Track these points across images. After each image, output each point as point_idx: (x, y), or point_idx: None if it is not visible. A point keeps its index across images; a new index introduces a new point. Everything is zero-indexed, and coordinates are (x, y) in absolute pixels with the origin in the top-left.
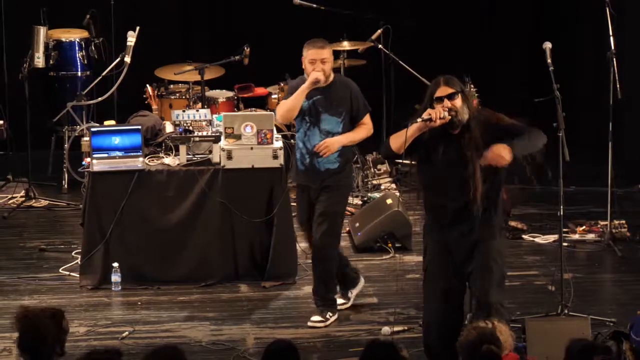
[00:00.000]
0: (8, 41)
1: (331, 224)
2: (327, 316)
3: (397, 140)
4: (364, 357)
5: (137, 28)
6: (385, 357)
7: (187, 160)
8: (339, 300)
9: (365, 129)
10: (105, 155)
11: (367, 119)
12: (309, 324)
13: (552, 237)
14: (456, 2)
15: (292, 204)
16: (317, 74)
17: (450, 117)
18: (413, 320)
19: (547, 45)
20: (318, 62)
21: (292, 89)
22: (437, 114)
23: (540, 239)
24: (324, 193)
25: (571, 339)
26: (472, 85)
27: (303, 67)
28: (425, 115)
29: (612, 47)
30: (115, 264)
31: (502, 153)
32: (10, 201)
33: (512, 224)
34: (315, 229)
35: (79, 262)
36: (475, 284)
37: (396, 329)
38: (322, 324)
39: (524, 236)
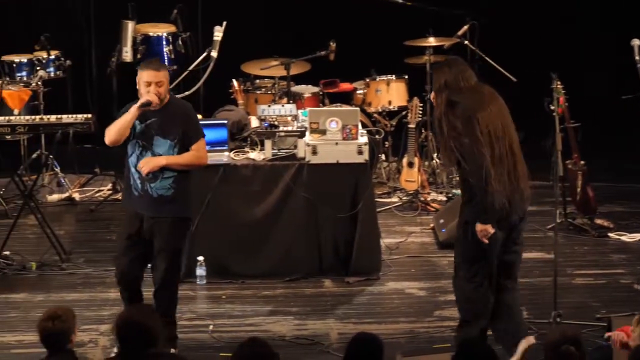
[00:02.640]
0: (97, 36)
1: (174, 261)
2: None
3: None
4: (459, 354)
5: (224, 23)
6: (480, 353)
7: (272, 155)
8: None
9: (193, 155)
10: None
11: (197, 145)
12: None
13: (638, 236)
14: None
15: (377, 199)
16: (151, 95)
17: None
18: None
19: (636, 42)
20: (153, 85)
21: (123, 113)
22: None
23: (627, 237)
24: (160, 226)
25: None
26: (558, 82)
27: (138, 87)
28: None
29: None
30: (201, 258)
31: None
32: (98, 194)
33: (599, 222)
34: (156, 264)
35: None
36: None
37: None
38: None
39: (610, 234)
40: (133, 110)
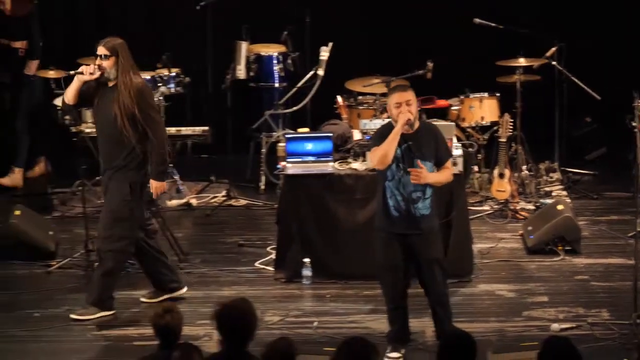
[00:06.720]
0: (214, 55)
1: (444, 269)
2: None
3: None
4: (544, 352)
5: (330, 44)
6: (563, 352)
7: None
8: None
9: (449, 172)
10: (299, 159)
11: (449, 163)
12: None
13: None
14: (631, 21)
15: (470, 207)
16: (408, 114)
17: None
18: (581, 318)
19: None
20: (403, 105)
21: (380, 135)
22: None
23: None
24: (424, 240)
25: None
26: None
27: (389, 114)
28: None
29: None
30: (307, 260)
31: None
32: (213, 200)
33: None
34: (429, 278)
35: (274, 257)
36: None
37: (564, 326)
38: None
39: None
40: (397, 130)
